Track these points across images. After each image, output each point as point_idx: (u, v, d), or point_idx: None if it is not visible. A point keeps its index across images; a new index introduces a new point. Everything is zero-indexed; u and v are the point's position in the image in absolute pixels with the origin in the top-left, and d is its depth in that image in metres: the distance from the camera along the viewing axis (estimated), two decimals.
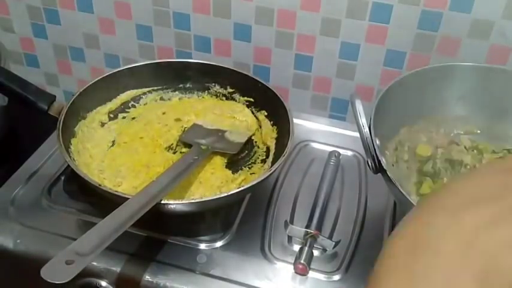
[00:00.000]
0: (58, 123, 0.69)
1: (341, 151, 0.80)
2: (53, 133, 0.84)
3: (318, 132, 0.87)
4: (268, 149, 0.78)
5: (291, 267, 0.63)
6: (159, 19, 0.95)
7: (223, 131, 0.80)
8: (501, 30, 0.80)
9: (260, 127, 0.81)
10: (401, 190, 0.57)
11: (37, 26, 1.04)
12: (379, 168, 0.61)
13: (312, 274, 0.63)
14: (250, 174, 0.74)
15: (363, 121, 0.63)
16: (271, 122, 0.80)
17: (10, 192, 0.73)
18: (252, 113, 0.83)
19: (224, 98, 0.85)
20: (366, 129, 0.62)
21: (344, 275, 0.64)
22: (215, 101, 0.85)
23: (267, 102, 0.80)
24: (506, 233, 0.30)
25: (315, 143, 0.85)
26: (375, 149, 0.61)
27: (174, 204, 0.61)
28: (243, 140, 0.79)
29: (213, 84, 0.85)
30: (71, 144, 0.71)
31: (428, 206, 0.34)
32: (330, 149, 0.81)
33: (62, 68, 1.09)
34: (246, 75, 0.82)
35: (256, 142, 0.80)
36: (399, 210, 0.72)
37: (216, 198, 0.61)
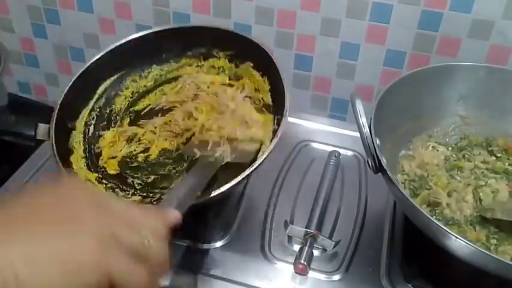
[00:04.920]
0: (51, 145, 0.65)
1: (341, 151, 0.80)
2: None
3: (318, 132, 0.87)
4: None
5: (291, 267, 0.63)
6: (159, 19, 0.95)
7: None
8: (501, 30, 0.80)
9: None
10: (402, 190, 0.57)
11: (37, 26, 1.04)
12: (379, 168, 0.61)
13: (312, 274, 0.63)
14: None
15: (363, 121, 0.62)
16: (260, 73, 0.76)
17: (10, 193, 0.73)
18: (236, 66, 0.79)
19: (202, 58, 0.81)
20: (366, 129, 0.62)
21: (344, 275, 0.64)
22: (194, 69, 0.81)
23: (249, 53, 0.76)
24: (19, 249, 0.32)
25: (315, 143, 0.85)
26: (375, 149, 0.60)
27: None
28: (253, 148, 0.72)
29: (190, 44, 0.80)
30: (72, 163, 0.68)
31: None
32: (330, 149, 0.81)
33: (62, 68, 1.09)
34: (222, 29, 0.77)
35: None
36: (399, 210, 0.72)
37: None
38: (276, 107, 0.72)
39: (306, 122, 0.88)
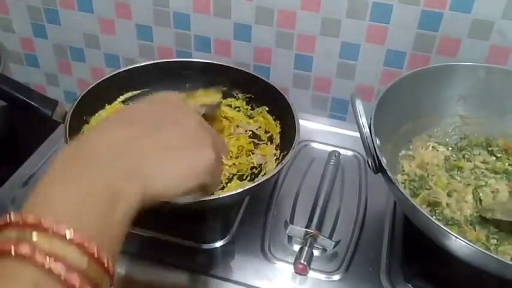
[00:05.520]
0: (64, 128, 0.68)
1: (341, 151, 0.80)
2: (53, 133, 0.84)
3: (318, 132, 0.87)
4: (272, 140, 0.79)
5: (291, 267, 0.63)
6: (159, 19, 0.95)
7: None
8: (501, 30, 0.80)
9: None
10: (402, 190, 0.57)
11: (37, 26, 1.04)
12: (379, 168, 0.61)
13: (312, 274, 0.63)
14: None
15: (363, 121, 0.63)
16: (273, 117, 0.80)
17: (10, 192, 0.73)
18: (252, 108, 0.83)
19: (222, 96, 0.84)
20: (366, 129, 0.62)
21: (344, 275, 0.64)
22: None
23: (267, 98, 0.80)
24: (147, 143, 0.42)
25: (315, 143, 0.85)
26: (375, 149, 0.61)
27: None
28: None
29: (212, 82, 0.83)
30: None
31: (90, 127, 0.47)
32: (330, 149, 0.81)
33: (62, 68, 1.09)
34: (244, 71, 0.82)
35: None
36: (399, 210, 0.72)
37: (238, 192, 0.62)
38: (284, 145, 0.76)
39: (306, 122, 0.88)
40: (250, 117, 0.83)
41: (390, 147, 0.70)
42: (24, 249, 0.30)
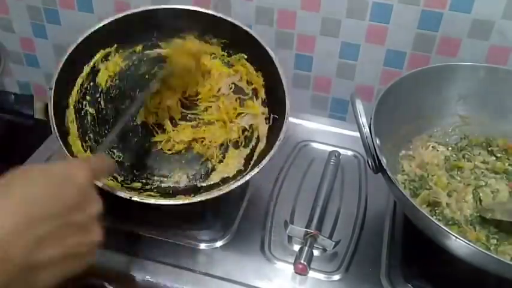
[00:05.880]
0: (52, 129, 0.64)
1: (341, 151, 0.80)
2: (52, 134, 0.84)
3: (318, 132, 0.87)
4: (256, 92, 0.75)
5: (291, 267, 0.63)
6: None
7: None
8: (501, 30, 0.80)
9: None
10: (402, 190, 0.57)
11: (37, 26, 1.04)
12: (379, 168, 0.61)
13: (312, 274, 0.63)
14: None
15: (363, 121, 0.63)
16: (254, 67, 0.76)
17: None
18: (229, 54, 0.77)
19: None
20: (366, 129, 0.62)
21: (344, 275, 0.64)
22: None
23: (244, 44, 0.75)
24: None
25: (315, 143, 0.85)
26: (375, 149, 0.61)
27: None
28: None
29: (181, 29, 0.76)
30: (70, 144, 0.67)
31: None
32: (330, 149, 0.81)
33: None
34: (215, 15, 0.75)
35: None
36: (399, 210, 0.72)
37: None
38: (271, 104, 0.73)
39: (306, 122, 0.88)
40: (229, 65, 0.77)
41: (390, 147, 0.70)
42: None
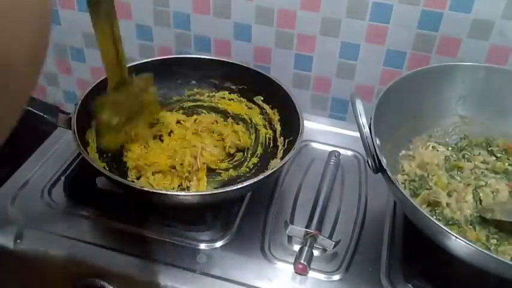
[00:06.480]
0: (74, 136, 0.67)
1: (341, 151, 0.80)
2: (53, 133, 0.84)
3: (318, 132, 0.87)
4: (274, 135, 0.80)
5: (291, 267, 0.63)
6: (159, 19, 0.95)
7: None
8: (501, 30, 0.80)
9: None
10: (402, 190, 0.57)
11: None
12: (379, 168, 0.61)
13: (312, 274, 0.63)
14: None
15: (363, 121, 0.63)
16: (270, 106, 0.82)
17: (10, 192, 0.73)
18: (247, 99, 0.84)
19: (215, 89, 0.86)
20: (366, 129, 0.62)
21: (344, 275, 0.64)
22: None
23: (263, 88, 0.82)
24: None
25: (315, 143, 0.85)
26: (375, 149, 0.61)
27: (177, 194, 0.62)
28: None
29: (203, 76, 0.85)
30: (88, 152, 0.70)
31: None
32: (330, 149, 0.81)
33: (62, 68, 1.09)
34: (237, 64, 0.83)
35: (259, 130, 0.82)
36: (399, 210, 0.72)
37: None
38: (286, 131, 0.78)
39: (305, 122, 0.87)
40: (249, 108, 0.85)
41: (390, 147, 0.70)
42: None
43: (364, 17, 0.85)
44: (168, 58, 0.85)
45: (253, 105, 0.84)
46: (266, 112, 0.82)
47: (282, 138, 0.78)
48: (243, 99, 0.85)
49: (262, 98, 0.83)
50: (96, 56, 1.04)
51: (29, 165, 0.78)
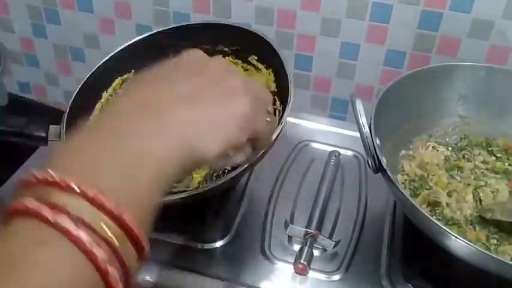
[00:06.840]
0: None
1: (341, 151, 0.80)
2: None
3: (318, 132, 0.87)
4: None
5: (291, 267, 0.63)
6: (159, 19, 0.95)
7: None
8: (501, 30, 0.80)
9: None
10: (402, 190, 0.57)
11: (37, 26, 1.04)
12: (379, 168, 0.60)
13: (312, 274, 0.63)
14: None
15: (363, 121, 0.63)
16: (265, 65, 0.77)
17: (10, 192, 0.73)
18: (243, 61, 0.79)
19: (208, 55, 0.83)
20: (366, 129, 0.62)
21: (344, 275, 0.64)
22: None
23: (255, 46, 0.77)
24: (165, 96, 0.37)
25: (315, 143, 0.85)
26: (375, 149, 0.60)
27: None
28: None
29: (194, 45, 0.80)
30: None
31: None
32: (330, 149, 0.81)
33: (62, 68, 1.09)
34: (226, 24, 0.79)
35: None
36: (399, 210, 0.72)
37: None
38: (280, 97, 0.74)
39: (306, 122, 0.88)
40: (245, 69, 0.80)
41: (390, 147, 0.70)
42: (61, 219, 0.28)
43: (364, 17, 0.85)
44: (153, 33, 0.78)
45: (249, 66, 0.80)
46: (262, 72, 0.78)
47: (278, 102, 0.75)
48: (238, 61, 0.80)
49: (256, 58, 0.78)
50: (96, 56, 1.04)
51: (29, 165, 0.78)
